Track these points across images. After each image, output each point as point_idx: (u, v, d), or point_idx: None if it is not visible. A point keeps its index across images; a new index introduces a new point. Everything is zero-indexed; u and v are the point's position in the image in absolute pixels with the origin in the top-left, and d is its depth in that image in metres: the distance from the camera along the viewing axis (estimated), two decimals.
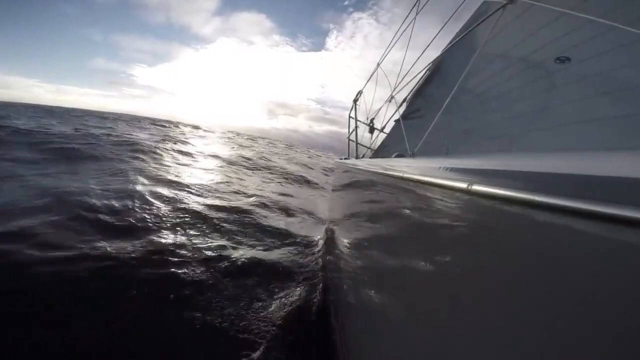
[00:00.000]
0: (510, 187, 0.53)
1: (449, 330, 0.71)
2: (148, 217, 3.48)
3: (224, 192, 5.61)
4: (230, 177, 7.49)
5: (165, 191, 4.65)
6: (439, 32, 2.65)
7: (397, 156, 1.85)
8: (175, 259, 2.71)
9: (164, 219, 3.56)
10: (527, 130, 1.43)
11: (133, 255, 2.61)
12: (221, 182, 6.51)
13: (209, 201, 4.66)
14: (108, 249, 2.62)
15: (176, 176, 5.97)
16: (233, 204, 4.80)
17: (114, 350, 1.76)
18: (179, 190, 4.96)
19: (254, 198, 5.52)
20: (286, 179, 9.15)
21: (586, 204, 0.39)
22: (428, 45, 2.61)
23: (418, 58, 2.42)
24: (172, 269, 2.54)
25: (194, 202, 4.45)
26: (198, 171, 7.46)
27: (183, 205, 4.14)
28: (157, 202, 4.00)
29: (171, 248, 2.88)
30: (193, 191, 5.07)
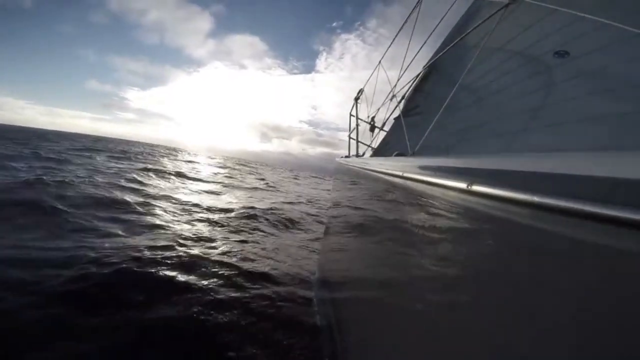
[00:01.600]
0: (510, 187, 0.53)
1: (448, 331, 0.71)
2: None
3: None
4: None
5: None
6: (435, 28, 2.64)
7: (397, 155, 1.84)
8: None
9: None
10: (526, 128, 1.42)
11: None
12: None
13: None
14: None
15: None
16: None
17: None
18: None
19: None
20: None
21: (586, 204, 0.39)
22: (425, 42, 2.60)
23: (416, 54, 2.41)
24: None
25: None
26: None
27: None
28: None
29: None
30: None
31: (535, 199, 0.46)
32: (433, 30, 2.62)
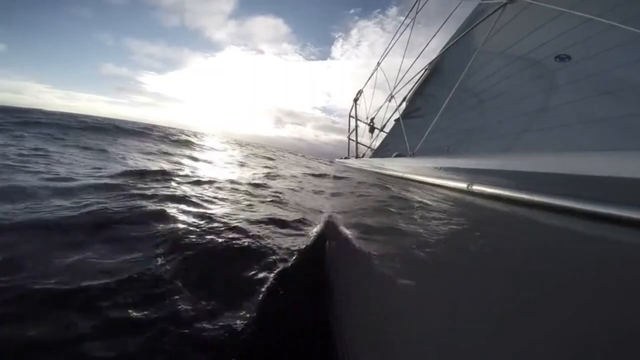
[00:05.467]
0: (510, 187, 0.53)
1: (448, 331, 0.71)
2: None
3: None
4: None
5: None
6: (438, 30, 2.65)
7: (397, 156, 1.84)
8: None
9: None
10: (527, 130, 1.43)
11: None
12: None
13: None
14: None
15: None
16: None
17: None
18: None
19: None
20: None
21: (586, 204, 0.39)
22: (427, 44, 2.61)
23: (417, 57, 2.42)
24: None
25: None
26: None
27: None
28: None
29: None
30: None
31: (536, 199, 0.46)
32: (435, 34, 2.63)
